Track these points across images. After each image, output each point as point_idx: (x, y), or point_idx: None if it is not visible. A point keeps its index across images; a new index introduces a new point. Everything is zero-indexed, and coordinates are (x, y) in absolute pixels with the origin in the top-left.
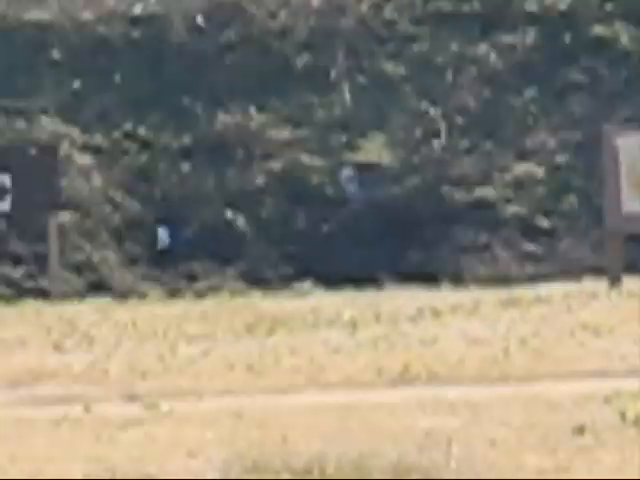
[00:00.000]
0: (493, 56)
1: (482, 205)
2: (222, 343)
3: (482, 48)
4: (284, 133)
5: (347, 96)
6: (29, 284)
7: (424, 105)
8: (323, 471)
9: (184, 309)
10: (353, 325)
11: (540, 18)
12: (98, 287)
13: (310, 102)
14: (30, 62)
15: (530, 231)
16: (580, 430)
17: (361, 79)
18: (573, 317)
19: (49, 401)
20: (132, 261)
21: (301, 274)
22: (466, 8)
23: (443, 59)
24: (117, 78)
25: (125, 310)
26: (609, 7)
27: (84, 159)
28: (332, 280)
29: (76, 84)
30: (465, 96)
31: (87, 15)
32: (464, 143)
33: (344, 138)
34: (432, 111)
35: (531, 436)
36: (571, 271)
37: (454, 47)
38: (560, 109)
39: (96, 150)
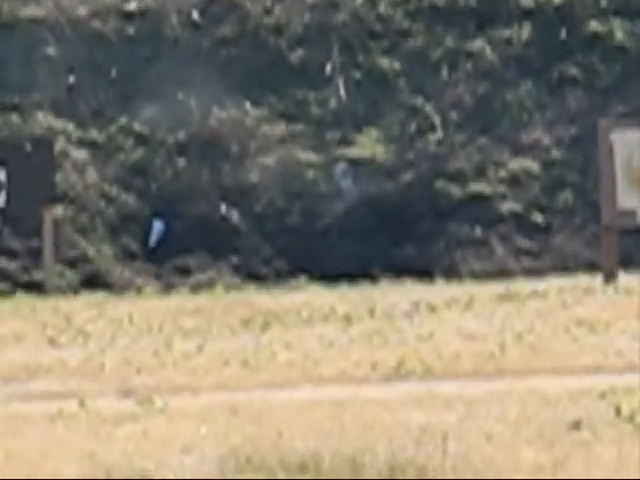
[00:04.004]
0: (488, 51)
1: (477, 200)
2: (217, 338)
3: (477, 43)
4: (279, 128)
5: (342, 91)
6: (24, 278)
7: (419, 100)
8: (318, 467)
9: (179, 304)
10: (348, 320)
11: (535, 13)
12: (93, 282)
13: (305, 97)
14: (25, 57)
15: (525, 226)
16: (576, 425)
17: (356, 74)
18: (568, 312)
19: (44, 396)
20: (127, 256)
21: (295, 269)
22: (461, 3)
23: (438, 54)
24: (112, 73)
25: (120, 305)
26: (604, 2)
27: (79, 154)
28: (327, 275)
29: (71, 79)
30: (460, 91)
31: (82, 10)
32: (459, 138)
33: (339, 133)
34: (427, 106)
35: (527, 431)
36: (566, 266)
37: (449, 42)
38: (555, 104)
39: (91, 145)
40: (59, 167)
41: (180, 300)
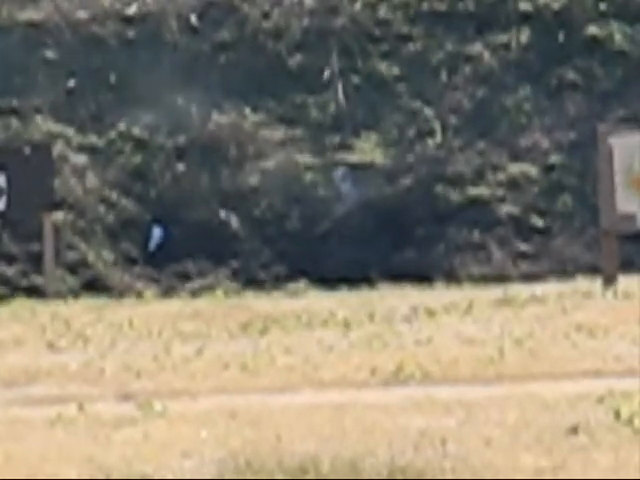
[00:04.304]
0: (487, 55)
1: (476, 204)
2: (216, 342)
3: (476, 47)
4: (278, 133)
5: (341, 96)
6: (23, 283)
7: (418, 104)
8: (318, 471)
9: (178, 308)
10: (347, 325)
11: (534, 17)
12: (93, 286)
13: (304, 102)
14: (24, 61)
15: (524, 230)
16: (574, 430)
17: (355, 79)
18: (568, 317)
19: (44, 401)
20: (127, 260)
21: (295, 273)
22: (460, 7)
23: (437, 58)
24: (111, 78)
25: (120, 309)
26: (603, 6)
27: (78, 159)
28: (326, 279)
29: (70, 83)
30: (459, 95)
31: (81, 14)
32: (458, 142)
33: (338, 138)
34: (426, 110)
35: (526, 436)
36: (565, 270)
37: (448, 46)
38: (554, 108)
39: (90, 150)
40: (58, 172)
41: (180, 304)
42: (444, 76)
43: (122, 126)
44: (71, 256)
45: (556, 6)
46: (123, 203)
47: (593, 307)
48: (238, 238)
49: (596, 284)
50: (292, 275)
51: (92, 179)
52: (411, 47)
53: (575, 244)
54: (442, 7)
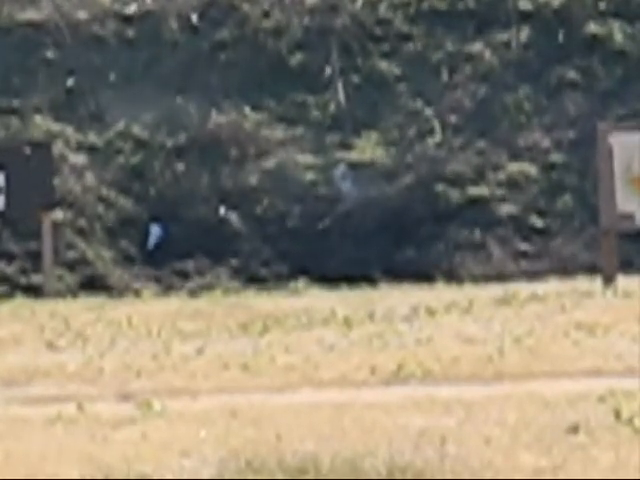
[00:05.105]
0: (487, 54)
1: (476, 203)
2: (216, 341)
3: (476, 46)
4: (278, 132)
5: (341, 95)
6: (23, 281)
7: (418, 103)
8: (317, 470)
9: (178, 307)
10: (347, 324)
11: (534, 16)
12: (92, 285)
13: (304, 101)
14: (24, 61)
15: (524, 229)
16: (574, 429)
17: (355, 78)
18: (568, 316)
19: (43, 400)
20: (126, 259)
21: (295, 272)
22: (460, 6)
23: (437, 57)
24: (111, 77)
25: (119, 308)
26: (603, 5)
27: (78, 158)
28: (326, 278)
29: (70, 83)
30: (459, 94)
31: (81, 14)
32: (458, 141)
33: (338, 137)
34: (426, 109)
35: (526, 435)
36: (565, 269)
37: (448, 45)
38: (554, 107)
39: (90, 149)
40: (58, 171)
41: (179, 303)
42: (444, 75)
43: (121, 125)
44: (70, 255)
45: (556, 5)
46: (122, 202)
47: (593, 306)
48: (239, 236)
49: (596, 283)
50: (293, 273)
51: (91, 178)
52: (411, 46)
53: (575, 243)
54: (442, 6)
